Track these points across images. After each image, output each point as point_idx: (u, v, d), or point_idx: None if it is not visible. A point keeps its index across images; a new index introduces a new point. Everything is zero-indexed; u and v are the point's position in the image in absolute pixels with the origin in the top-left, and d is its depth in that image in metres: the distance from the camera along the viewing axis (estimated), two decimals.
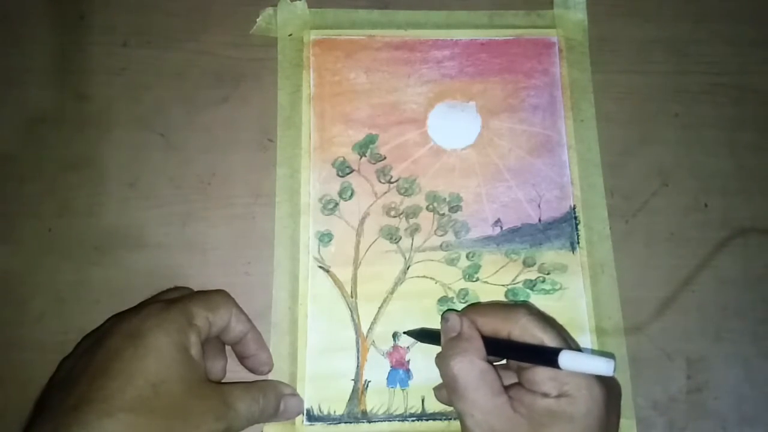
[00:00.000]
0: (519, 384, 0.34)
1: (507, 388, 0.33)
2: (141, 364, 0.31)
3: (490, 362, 0.34)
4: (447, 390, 0.34)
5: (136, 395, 0.30)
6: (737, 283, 0.42)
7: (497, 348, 0.34)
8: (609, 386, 0.32)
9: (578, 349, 0.36)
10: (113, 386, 0.30)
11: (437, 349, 0.36)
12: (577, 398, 0.31)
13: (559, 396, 0.31)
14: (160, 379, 0.30)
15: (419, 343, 0.40)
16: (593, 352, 0.40)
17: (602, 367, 0.29)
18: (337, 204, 0.42)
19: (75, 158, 0.42)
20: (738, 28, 0.47)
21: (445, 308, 0.40)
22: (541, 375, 0.32)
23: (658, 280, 0.42)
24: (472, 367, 0.33)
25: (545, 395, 0.32)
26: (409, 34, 0.45)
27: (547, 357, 0.31)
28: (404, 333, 0.40)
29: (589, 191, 0.43)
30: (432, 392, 0.38)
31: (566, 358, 0.30)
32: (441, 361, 0.35)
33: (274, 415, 0.36)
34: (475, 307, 0.39)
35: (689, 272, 0.42)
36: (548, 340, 0.33)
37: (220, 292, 0.37)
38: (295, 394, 0.38)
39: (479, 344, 0.34)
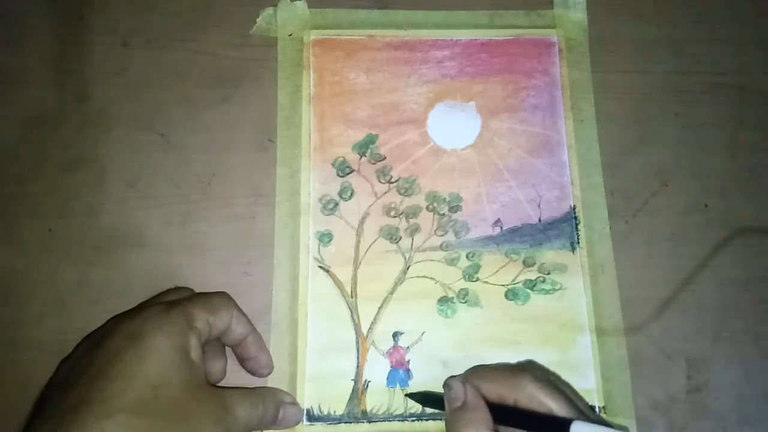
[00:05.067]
0: None
1: None
2: (141, 365, 0.30)
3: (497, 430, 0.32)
4: None
5: (135, 397, 0.30)
6: (737, 283, 0.42)
7: (505, 416, 0.33)
8: None
9: (589, 410, 0.35)
10: (113, 387, 0.30)
11: (438, 349, 0.36)
12: None
13: None
14: (159, 382, 0.30)
15: (420, 342, 0.39)
16: (604, 416, 0.39)
17: None
18: (337, 204, 0.42)
19: (75, 158, 0.42)
20: (738, 28, 0.47)
21: (446, 308, 0.40)
22: None
23: (658, 280, 0.42)
24: None
25: None
26: (409, 34, 0.45)
27: (557, 427, 0.30)
28: (406, 395, 0.39)
29: (589, 191, 0.43)
30: None
31: (578, 430, 0.29)
32: None
33: (272, 422, 0.36)
34: (479, 371, 0.36)
35: (689, 272, 0.42)
36: (557, 408, 0.31)
37: (221, 294, 0.37)
38: (294, 403, 0.38)
39: (486, 415, 0.32)
